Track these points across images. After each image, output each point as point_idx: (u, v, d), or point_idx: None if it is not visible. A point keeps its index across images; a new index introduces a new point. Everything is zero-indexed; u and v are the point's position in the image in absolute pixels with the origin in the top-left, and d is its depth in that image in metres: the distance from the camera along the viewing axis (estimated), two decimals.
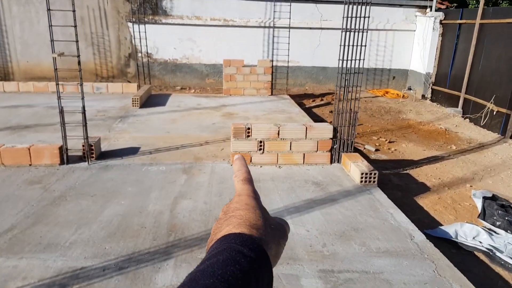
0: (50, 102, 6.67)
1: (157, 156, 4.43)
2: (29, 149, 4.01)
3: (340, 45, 4.09)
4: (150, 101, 7.38)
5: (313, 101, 8.61)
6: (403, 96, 9.12)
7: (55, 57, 3.79)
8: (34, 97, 7.33)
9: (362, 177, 3.73)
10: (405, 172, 4.75)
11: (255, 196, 0.55)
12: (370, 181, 3.74)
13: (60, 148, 4.06)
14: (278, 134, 4.14)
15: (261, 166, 4.17)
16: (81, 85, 3.99)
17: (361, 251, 2.74)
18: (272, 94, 8.16)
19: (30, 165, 4.03)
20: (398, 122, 7.09)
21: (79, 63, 3.88)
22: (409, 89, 9.51)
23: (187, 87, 9.56)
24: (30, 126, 5.54)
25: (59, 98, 3.98)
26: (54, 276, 2.35)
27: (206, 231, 2.89)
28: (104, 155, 4.40)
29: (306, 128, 4.17)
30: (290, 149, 4.19)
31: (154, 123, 5.84)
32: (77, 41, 3.79)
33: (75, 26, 3.77)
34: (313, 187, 3.71)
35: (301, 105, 7.98)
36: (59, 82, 3.97)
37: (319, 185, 3.78)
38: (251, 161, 4.17)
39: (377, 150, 5.52)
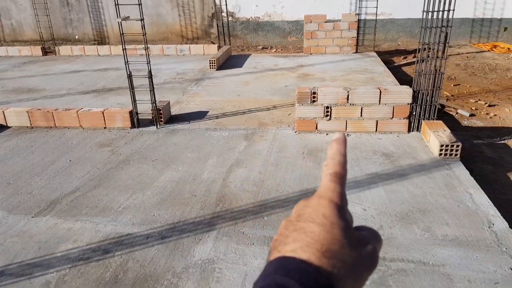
0: (136, 65, 6.98)
1: (223, 120, 4.35)
2: (103, 113, 4.23)
3: None
4: (228, 62, 7.31)
5: (405, 58, 7.72)
6: None
7: (120, 22, 3.83)
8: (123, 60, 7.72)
9: (441, 150, 3.19)
10: (502, 142, 3.99)
11: (341, 202, 0.41)
12: (451, 154, 3.19)
13: (131, 112, 4.20)
14: (347, 99, 3.73)
15: (327, 134, 3.84)
16: (147, 49, 4.01)
17: (423, 237, 2.34)
18: (357, 52, 7.49)
19: (105, 128, 4.26)
20: (504, 82, 6.00)
21: (142, 27, 3.88)
22: None
23: (268, 46, 9.28)
24: (113, 89, 5.88)
25: (126, 63, 4.07)
26: (101, 241, 2.43)
27: (254, 203, 2.75)
28: (173, 119, 4.46)
29: (380, 91, 3.68)
30: (361, 115, 3.77)
31: (227, 86, 5.76)
32: (140, 4, 3.77)
33: None
34: (381, 159, 3.29)
35: (389, 63, 7.21)
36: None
37: (389, 157, 3.34)
38: (316, 128, 3.86)
39: (472, 115, 4.73)
